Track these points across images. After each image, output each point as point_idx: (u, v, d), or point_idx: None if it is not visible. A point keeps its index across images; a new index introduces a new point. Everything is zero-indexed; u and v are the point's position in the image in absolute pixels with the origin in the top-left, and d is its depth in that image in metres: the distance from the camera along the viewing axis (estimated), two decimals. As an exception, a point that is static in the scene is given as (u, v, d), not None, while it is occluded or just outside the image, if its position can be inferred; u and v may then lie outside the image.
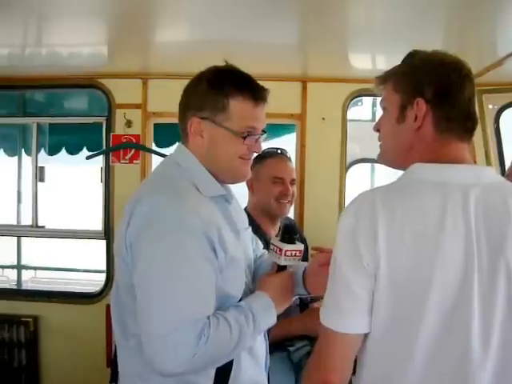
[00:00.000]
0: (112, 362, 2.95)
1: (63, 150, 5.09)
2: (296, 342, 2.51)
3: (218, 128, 1.67)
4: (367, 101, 6.55)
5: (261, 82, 1.72)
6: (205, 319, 1.51)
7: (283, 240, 1.79)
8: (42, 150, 4.50)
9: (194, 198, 1.61)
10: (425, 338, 1.25)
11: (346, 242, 1.32)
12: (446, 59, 1.41)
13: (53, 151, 5.00)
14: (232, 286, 1.66)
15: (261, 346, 1.79)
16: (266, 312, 1.66)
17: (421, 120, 1.38)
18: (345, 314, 1.31)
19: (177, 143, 1.84)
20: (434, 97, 1.37)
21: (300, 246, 1.79)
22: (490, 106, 3.51)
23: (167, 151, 3.84)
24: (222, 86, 1.67)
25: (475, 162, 1.38)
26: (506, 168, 3.38)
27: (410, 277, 1.25)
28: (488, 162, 3.44)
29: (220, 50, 2.90)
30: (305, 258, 1.93)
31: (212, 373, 1.63)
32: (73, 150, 5.07)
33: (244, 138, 1.68)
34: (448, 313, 1.25)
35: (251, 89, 1.69)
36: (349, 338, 1.31)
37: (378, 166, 4.93)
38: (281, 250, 1.76)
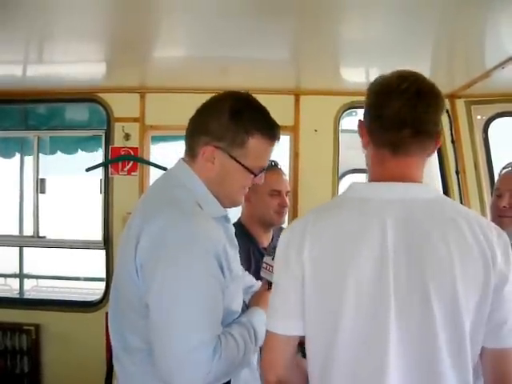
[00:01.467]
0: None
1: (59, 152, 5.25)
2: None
3: (232, 161, 1.69)
4: (361, 112, 6.65)
5: (255, 96, 1.76)
6: (217, 337, 1.56)
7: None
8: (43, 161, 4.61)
9: (202, 219, 1.62)
10: (344, 343, 1.36)
11: (281, 253, 1.47)
12: (388, 77, 1.45)
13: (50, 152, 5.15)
14: (234, 302, 1.71)
15: (255, 357, 1.84)
16: (264, 327, 1.67)
17: (363, 138, 1.47)
18: (280, 317, 1.45)
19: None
20: (364, 114, 1.46)
21: None
22: (479, 117, 3.61)
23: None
24: (244, 122, 1.68)
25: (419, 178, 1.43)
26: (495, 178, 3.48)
27: (328, 285, 1.37)
28: (477, 173, 3.53)
29: (216, 64, 3.02)
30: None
31: None
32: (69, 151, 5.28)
33: (255, 175, 1.74)
34: (363, 319, 1.34)
35: (270, 128, 1.73)
36: (285, 339, 1.45)
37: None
38: (272, 267, 1.80)
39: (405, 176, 1.41)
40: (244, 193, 1.80)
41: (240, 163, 1.70)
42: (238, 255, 1.82)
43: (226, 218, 1.80)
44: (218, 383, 1.61)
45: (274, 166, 2.96)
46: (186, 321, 1.53)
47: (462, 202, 3.56)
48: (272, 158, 3.00)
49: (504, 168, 2.62)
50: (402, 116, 1.37)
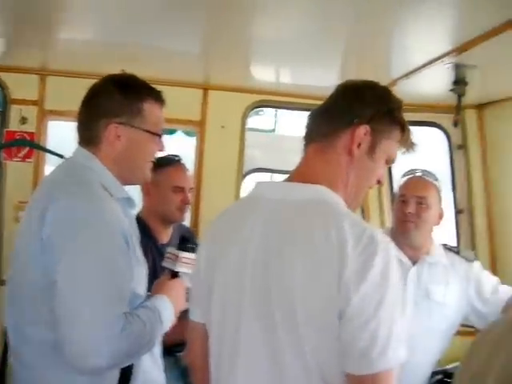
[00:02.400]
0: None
1: None
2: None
3: (136, 130, 1.81)
4: (270, 111, 6.71)
5: (162, 87, 1.87)
6: (124, 315, 1.61)
7: (181, 248, 1.90)
8: None
9: (108, 199, 1.72)
10: (215, 337, 1.46)
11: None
12: None
13: None
14: (139, 286, 1.76)
15: (157, 346, 1.88)
16: (167, 311, 1.79)
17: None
18: (192, 305, 1.58)
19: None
20: None
21: (187, 255, 1.89)
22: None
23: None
24: (134, 91, 1.82)
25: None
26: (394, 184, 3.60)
27: (206, 283, 1.48)
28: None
29: (122, 52, 2.92)
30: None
31: (117, 373, 1.70)
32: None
33: (160, 136, 1.87)
34: (224, 310, 1.43)
35: (156, 92, 1.87)
36: (193, 325, 1.56)
37: (277, 175, 5.04)
38: (177, 256, 1.91)
39: (301, 174, 1.46)
40: (150, 166, 1.90)
41: (145, 130, 1.82)
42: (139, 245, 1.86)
43: (130, 202, 1.87)
44: (121, 364, 1.66)
45: (177, 162, 2.91)
46: (94, 296, 1.56)
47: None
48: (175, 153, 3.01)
49: (406, 174, 2.71)
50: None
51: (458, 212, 3.61)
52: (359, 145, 1.44)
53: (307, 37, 2.56)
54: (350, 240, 1.26)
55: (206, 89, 3.53)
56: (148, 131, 1.82)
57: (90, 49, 2.93)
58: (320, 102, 1.55)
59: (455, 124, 2.87)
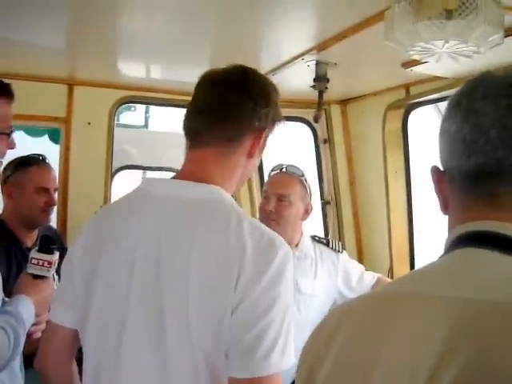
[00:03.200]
0: None
1: None
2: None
3: None
4: (142, 108, 6.59)
5: (23, 83, 1.73)
6: None
7: (40, 250, 1.80)
8: None
9: None
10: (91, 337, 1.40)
11: None
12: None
13: None
14: None
15: (17, 357, 1.72)
16: (29, 315, 1.68)
17: None
18: (58, 307, 1.50)
19: None
20: None
21: (49, 257, 1.79)
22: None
23: None
24: None
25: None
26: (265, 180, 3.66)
27: (84, 285, 1.42)
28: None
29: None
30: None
31: None
32: None
33: (7, 135, 1.70)
34: (106, 312, 1.37)
35: (3, 85, 1.71)
36: (57, 328, 1.48)
37: (150, 172, 4.97)
38: (38, 259, 1.80)
39: (190, 173, 1.42)
40: (1, 164, 1.78)
41: None
42: None
43: None
44: None
45: (41, 161, 2.77)
46: None
47: (234, 197, 3.69)
48: (39, 153, 2.87)
49: (272, 170, 2.73)
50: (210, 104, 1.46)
51: (324, 203, 3.75)
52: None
53: (174, 34, 2.53)
54: (249, 243, 1.26)
55: (71, 84, 3.38)
56: None
57: None
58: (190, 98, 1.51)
59: (315, 119, 2.96)
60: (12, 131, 1.75)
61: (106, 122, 3.43)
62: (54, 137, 4.05)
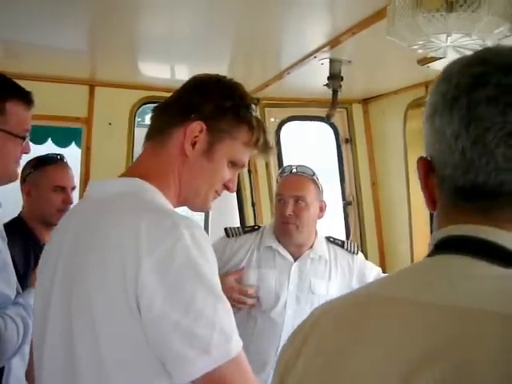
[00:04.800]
0: None
1: None
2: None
3: None
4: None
5: (45, 84, 1.79)
6: None
7: None
8: None
9: None
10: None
11: None
12: None
13: None
14: (7, 287, 1.73)
15: (27, 344, 1.81)
16: None
17: None
18: None
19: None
20: None
21: None
22: (272, 119, 3.75)
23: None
24: None
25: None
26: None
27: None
28: (268, 172, 3.67)
29: (2, 48, 2.78)
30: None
31: None
32: None
33: (23, 139, 1.77)
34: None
35: (24, 91, 1.79)
36: None
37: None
38: None
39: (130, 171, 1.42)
40: (17, 166, 1.84)
41: (5, 131, 1.72)
42: (7, 247, 1.83)
43: None
44: None
45: (59, 160, 2.81)
46: None
47: (253, 201, 3.68)
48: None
49: (282, 172, 2.69)
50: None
51: (346, 204, 3.70)
52: (194, 144, 1.36)
53: (195, 34, 2.53)
54: (144, 236, 1.14)
55: (92, 85, 3.42)
56: (9, 132, 1.74)
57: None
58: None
59: (328, 118, 2.92)
60: (27, 136, 1.81)
61: (126, 122, 3.46)
62: (59, 142, 4.11)
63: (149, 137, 1.41)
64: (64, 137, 4.60)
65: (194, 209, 1.46)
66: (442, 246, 0.79)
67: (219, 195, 1.47)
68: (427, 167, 0.82)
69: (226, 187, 1.44)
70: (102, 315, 1.17)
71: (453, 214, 0.79)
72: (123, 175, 1.39)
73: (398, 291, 0.77)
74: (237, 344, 1.16)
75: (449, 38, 1.54)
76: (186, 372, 1.12)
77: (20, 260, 2.43)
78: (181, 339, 1.12)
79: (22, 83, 3.21)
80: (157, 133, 1.39)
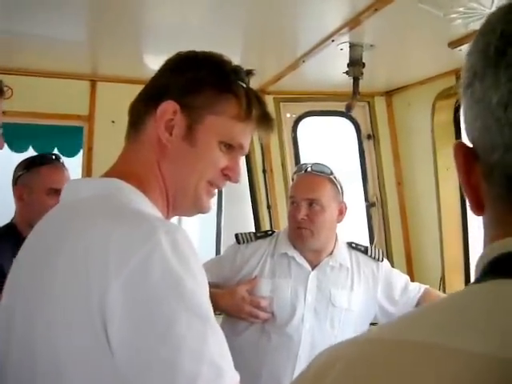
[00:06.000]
0: None
1: None
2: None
3: None
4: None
5: (43, 80, 1.61)
6: None
7: None
8: None
9: None
10: None
11: None
12: None
13: None
14: None
15: None
16: None
17: None
18: None
19: None
20: None
21: None
22: (288, 115, 3.50)
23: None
24: None
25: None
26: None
27: None
28: (284, 172, 3.43)
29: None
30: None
31: None
32: None
33: None
34: None
35: None
36: None
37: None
38: None
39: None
40: None
41: None
42: None
43: None
44: None
45: (54, 160, 2.59)
46: None
47: (268, 203, 3.44)
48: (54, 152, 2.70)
49: (296, 172, 2.43)
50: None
51: (369, 205, 3.44)
52: (171, 129, 1.13)
53: (206, 23, 2.35)
54: (115, 249, 0.92)
55: (93, 80, 3.21)
56: None
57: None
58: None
59: (348, 109, 2.64)
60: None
61: (129, 119, 3.23)
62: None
63: (127, 133, 1.22)
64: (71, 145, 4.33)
65: (188, 211, 1.23)
66: (496, 268, 0.56)
67: (218, 187, 1.22)
68: (469, 155, 0.62)
69: (225, 176, 1.20)
70: (67, 354, 0.94)
71: (509, 218, 0.57)
72: (103, 175, 1.17)
73: (433, 335, 0.53)
74: (232, 380, 0.92)
75: (494, 1, 1.27)
76: None
77: (9, 268, 2.24)
78: (159, 376, 0.88)
79: (16, 79, 3.05)
80: (131, 127, 1.20)
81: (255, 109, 1.18)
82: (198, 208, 1.21)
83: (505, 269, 0.54)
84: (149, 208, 1.08)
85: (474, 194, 0.62)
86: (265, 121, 1.20)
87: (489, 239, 0.60)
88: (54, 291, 0.97)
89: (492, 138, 0.57)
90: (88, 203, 1.07)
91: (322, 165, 2.33)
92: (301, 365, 2.20)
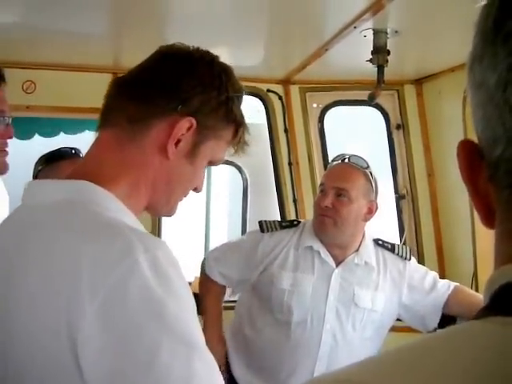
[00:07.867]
0: None
1: None
2: None
3: None
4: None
5: (64, 73, 1.56)
6: None
7: None
8: None
9: None
10: None
11: None
12: None
13: None
14: None
15: None
16: None
17: None
18: None
19: None
20: None
21: None
22: (314, 105, 3.40)
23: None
24: None
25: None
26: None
27: None
28: (311, 165, 3.34)
29: (19, 35, 2.58)
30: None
31: None
32: None
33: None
34: None
35: None
36: None
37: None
38: None
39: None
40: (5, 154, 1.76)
41: None
42: None
43: None
44: None
45: (73, 155, 2.54)
46: None
47: (294, 197, 3.34)
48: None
49: (333, 160, 2.36)
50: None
51: (399, 198, 3.32)
52: (177, 142, 1.06)
53: (229, 13, 2.30)
54: (87, 268, 0.84)
55: (115, 73, 3.15)
56: None
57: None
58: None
59: (371, 98, 2.54)
60: (6, 117, 1.67)
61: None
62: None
63: (108, 122, 1.09)
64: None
65: (156, 214, 1.24)
66: (502, 300, 0.45)
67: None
68: (473, 154, 0.52)
69: (195, 189, 1.19)
70: None
71: None
72: (70, 176, 1.06)
73: None
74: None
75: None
76: None
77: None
78: None
79: (39, 73, 3.02)
80: (125, 120, 1.06)
81: (243, 138, 1.17)
82: (169, 214, 1.18)
83: (509, 302, 0.44)
84: (126, 217, 0.99)
85: (482, 202, 0.52)
86: (243, 148, 1.20)
87: (500, 258, 0.49)
88: (23, 325, 0.90)
89: (493, 129, 0.49)
90: (55, 210, 0.97)
91: (359, 157, 2.26)
92: (321, 366, 2.13)
